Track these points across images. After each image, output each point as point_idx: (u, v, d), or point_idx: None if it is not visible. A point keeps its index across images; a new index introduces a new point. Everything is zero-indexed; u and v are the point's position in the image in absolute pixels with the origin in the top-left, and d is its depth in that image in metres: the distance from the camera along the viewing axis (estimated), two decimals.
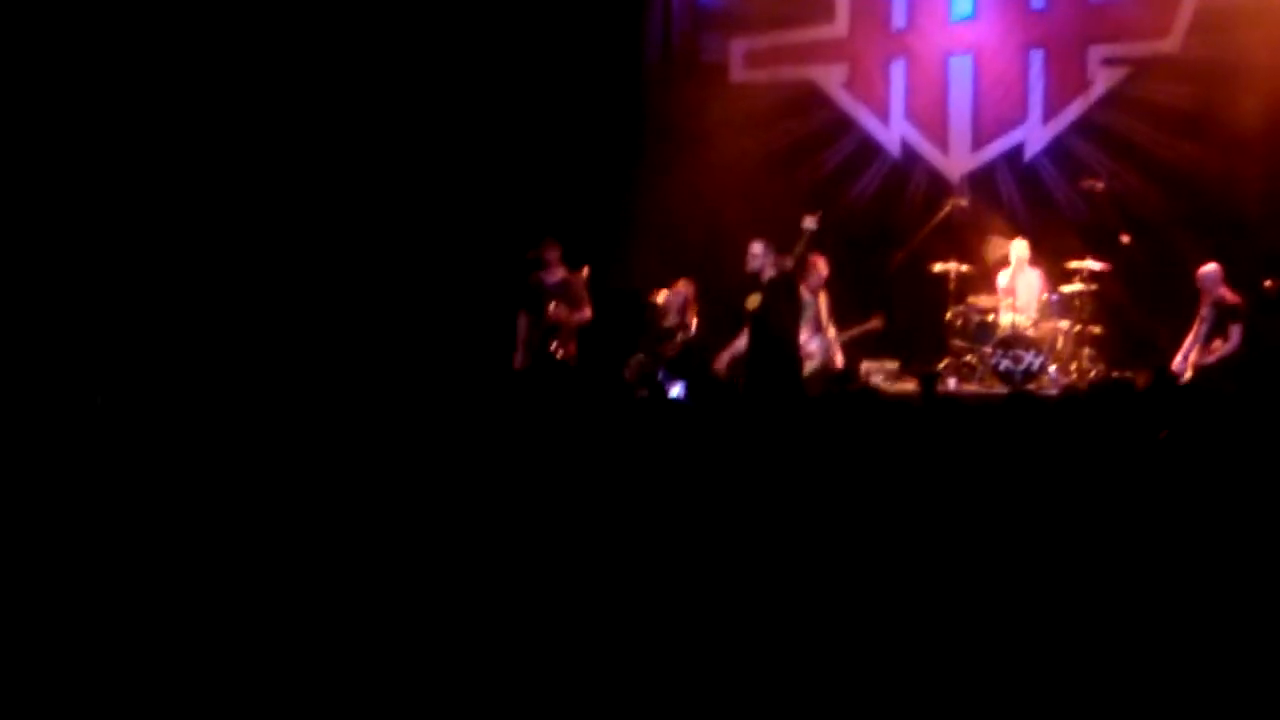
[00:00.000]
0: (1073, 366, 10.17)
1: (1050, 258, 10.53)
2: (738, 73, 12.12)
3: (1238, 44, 10.48)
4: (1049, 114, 11.31)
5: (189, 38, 10.66)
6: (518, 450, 4.79)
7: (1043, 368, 10.04)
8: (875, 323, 10.33)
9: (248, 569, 3.77)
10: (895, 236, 11.03)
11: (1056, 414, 4.97)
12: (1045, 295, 10.39)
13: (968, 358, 10.47)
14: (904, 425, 5.14)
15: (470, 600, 3.55)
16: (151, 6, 10.56)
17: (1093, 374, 10.09)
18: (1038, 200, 11.23)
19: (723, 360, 9.87)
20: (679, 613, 3.43)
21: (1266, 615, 3.20)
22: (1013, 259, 10.57)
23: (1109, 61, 11.11)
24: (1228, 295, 9.59)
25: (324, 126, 11.05)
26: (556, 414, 5.59)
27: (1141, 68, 10.99)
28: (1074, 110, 11.21)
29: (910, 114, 11.71)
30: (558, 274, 10.15)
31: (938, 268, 10.67)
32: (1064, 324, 10.30)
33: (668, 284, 10.16)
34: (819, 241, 9.67)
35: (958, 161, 11.57)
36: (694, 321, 10.03)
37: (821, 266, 10.12)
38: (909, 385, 9.99)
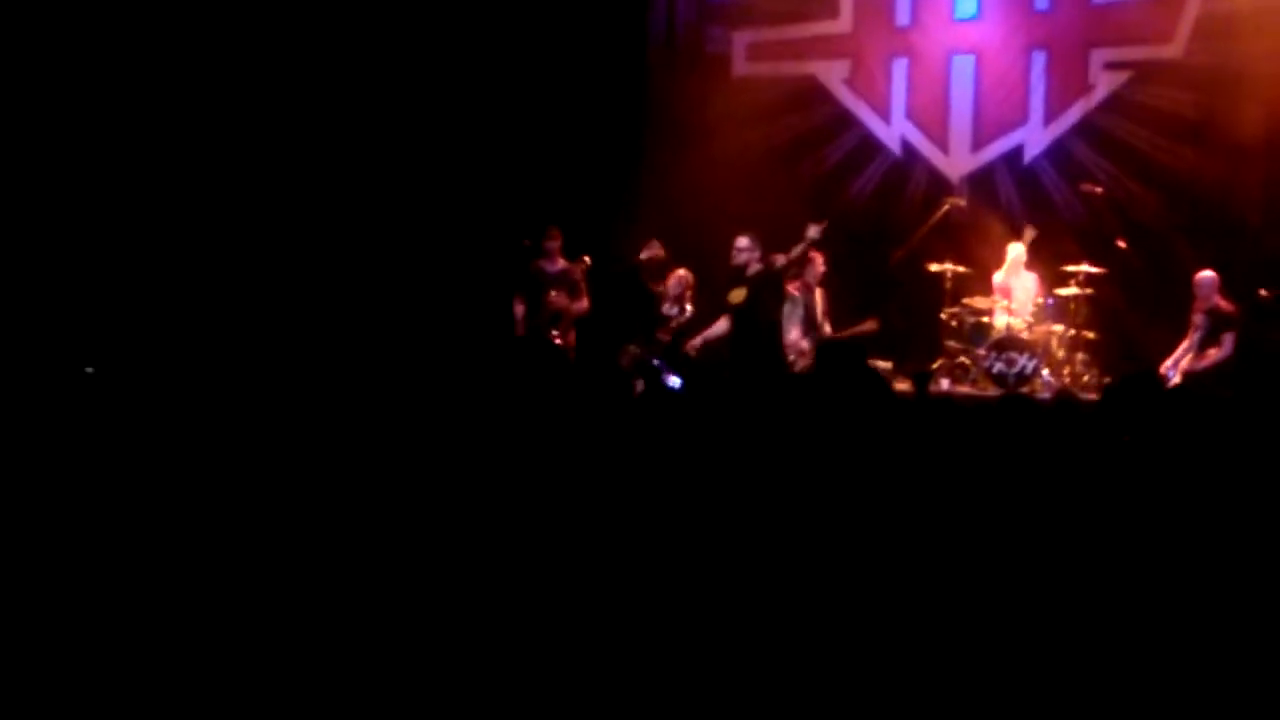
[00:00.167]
0: (1066, 371, 10.18)
1: (1047, 261, 10.52)
2: (740, 66, 12.11)
3: (1241, 51, 10.47)
4: (1050, 116, 11.30)
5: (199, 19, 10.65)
6: (513, 434, 4.77)
7: (1036, 371, 10.04)
8: (870, 325, 10.29)
9: (242, 548, 3.74)
10: (893, 235, 11.03)
11: (1055, 416, 4.94)
12: (1041, 298, 10.39)
13: (961, 359, 10.47)
14: (895, 422, 5.11)
15: (464, 587, 3.53)
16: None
17: (1086, 379, 10.10)
18: (1036, 203, 11.23)
19: (694, 343, 9.85)
20: (673, 605, 3.42)
21: (1262, 619, 3.19)
22: (1008, 261, 10.56)
23: (1111, 65, 11.11)
24: (1222, 304, 9.59)
25: (327, 114, 11.02)
26: (552, 401, 5.57)
27: (1143, 72, 10.98)
28: (1075, 113, 11.21)
29: (911, 112, 11.70)
30: (558, 263, 10.15)
31: (934, 268, 10.67)
32: (1058, 328, 10.30)
33: (666, 272, 10.14)
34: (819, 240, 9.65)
35: (958, 161, 11.56)
36: (690, 310, 10.01)
37: (819, 263, 10.11)
38: (902, 385, 9.98)
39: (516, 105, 11.39)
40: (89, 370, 6.47)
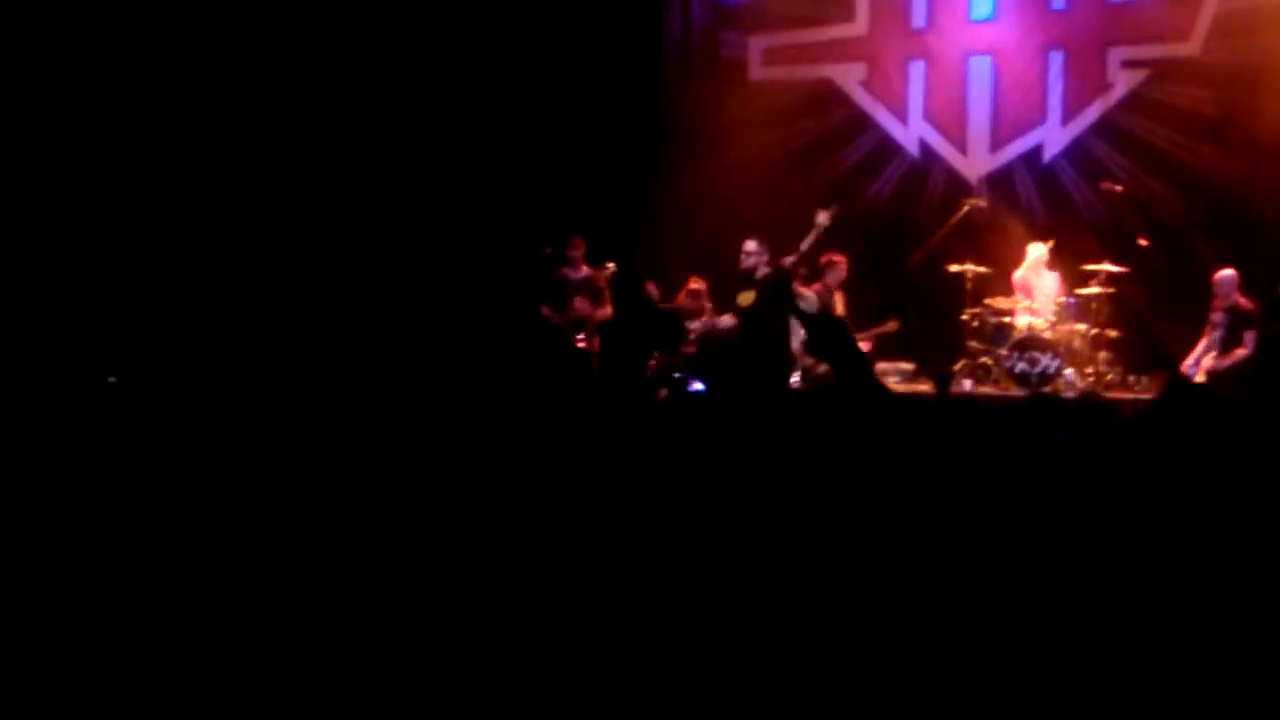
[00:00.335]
0: (1089, 370, 10.13)
1: (1068, 260, 10.49)
2: (757, 70, 12.12)
3: (1259, 48, 10.43)
4: (1068, 116, 11.27)
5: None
6: (537, 439, 4.78)
7: (1059, 371, 9.99)
8: (891, 325, 10.29)
9: (260, 551, 3.75)
10: (913, 237, 11.01)
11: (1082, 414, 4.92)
12: (1062, 298, 10.35)
13: (983, 359, 10.43)
14: (916, 423, 5.10)
15: (484, 588, 3.54)
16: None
17: (1109, 377, 10.05)
18: (1056, 202, 11.20)
19: (695, 326, 9.82)
20: (692, 605, 3.41)
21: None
22: (1030, 260, 10.53)
23: (1129, 64, 11.07)
24: (1243, 302, 9.55)
25: (349, 125, 11.06)
26: (576, 406, 5.58)
27: (1161, 70, 10.95)
28: (1093, 112, 11.18)
29: (929, 114, 11.69)
30: (582, 270, 10.19)
31: (954, 268, 10.64)
32: (1081, 327, 10.25)
33: (683, 280, 10.15)
34: (837, 239, 9.65)
35: (976, 162, 11.54)
36: (709, 310, 10.04)
37: (841, 266, 10.11)
38: (924, 386, 9.96)
39: (534, 113, 11.41)
40: (112, 380, 6.50)
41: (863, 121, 11.85)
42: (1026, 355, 10.11)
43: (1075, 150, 11.24)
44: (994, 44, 11.51)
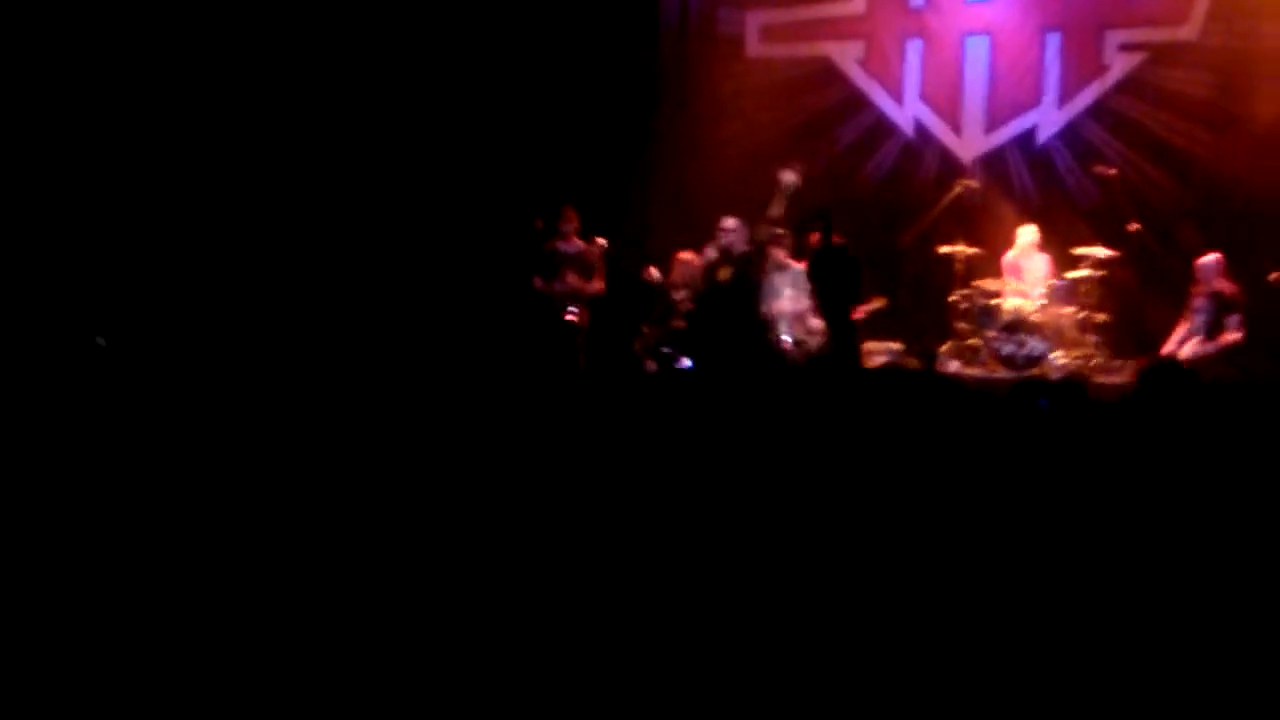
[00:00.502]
0: (1077, 353, 10.15)
1: (1059, 243, 10.50)
2: (754, 47, 12.08)
3: (1257, 33, 10.42)
4: (1064, 98, 11.25)
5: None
6: (528, 413, 4.80)
7: (1046, 353, 10.02)
8: (878, 303, 10.24)
9: (250, 523, 3.76)
10: (906, 216, 11.01)
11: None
12: (1052, 280, 10.36)
13: (971, 341, 10.45)
14: (899, 401, 5.11)
15: (476, 565, 3.55)
16: None
17: (1097, 361, 10.08)
18: (1049, 185, 11.20)
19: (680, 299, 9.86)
20: (684, 589, 3.43)
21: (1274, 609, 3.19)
22: (1020, 243, 10.54)
23: (1126, 47, 11.05)
24: (1226, 287, 9.58)
25: (341, 96, 11.05)
26: (568, 382, 5.60)
27: (1159, 54, 10.92)
28: (1089, 95, 11.15)
29: (925, 94, 11.67)
30: (574, 244, 10.18)
31: (945, 250, 10.65)
32: (1069, 310, 10.27)
33: (673, 256, 10.14)
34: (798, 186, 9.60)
35: (971, 143, 11.52)
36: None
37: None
38: (911, 366, 9.98)
39: (530, 88, 11.39)
40: (100, 341, 6.50)
41: (859, 100, 11.82)
42: (1014, 338, 10.14)
43: (1070, 133, 11.22)
44: (991, 24, 11.48)
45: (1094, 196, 10.83)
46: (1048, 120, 11.32)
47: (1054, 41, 11.28)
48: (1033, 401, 4.72)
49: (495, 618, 3.31)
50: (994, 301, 10.40)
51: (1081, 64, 11.19)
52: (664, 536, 3.69)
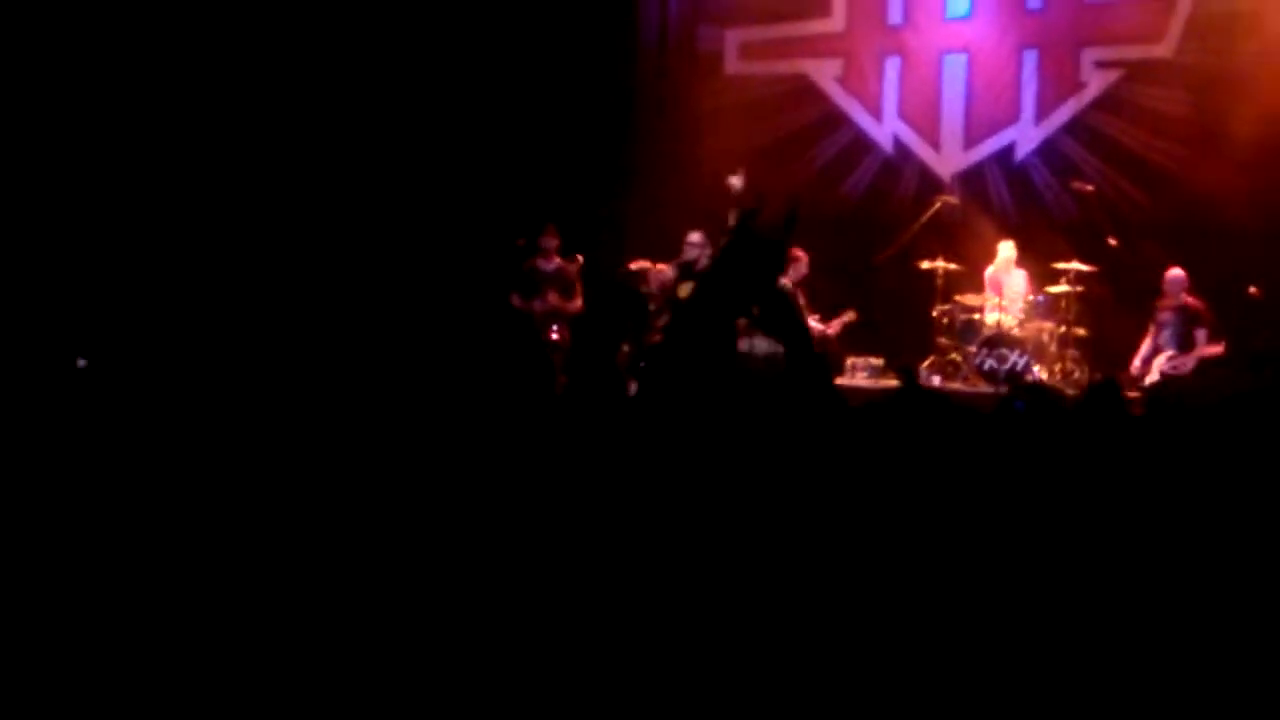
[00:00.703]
0: (1057, 368, 10.21)
1: (1038, 258, 10.56)
2: (733, 64, 12.14)
3: (1231, 50, 10.52)
4: (1041, 115, 11.34)
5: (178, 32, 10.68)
6: (508, 432, 4.78)
7: (1027, 368, 10.07)
8: (849, 315, 10.25)
9: (236, 547, 3.74)
10: (885, 233, 11.05)
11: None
12: (1031, 296, 10.42)
13: (952, 356, 10.50)
14: (877, 417, 5.13)
15: (458, 581, 3.54)
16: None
17: (1076, 375, 10.13)
18: (1027, 200, 11.27)
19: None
20: (666, 601, 3.43)
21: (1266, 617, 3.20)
22: (1000, 258, 10.61)
23: (1102, 64, 11.14)
24: (1191, 301, 9.70)
25: (321, 114, 11.03)
26: (546, 399, 5.58)
27: (1135, 71, 11.02)
28: (1066, 112, 11.24)
29: (903, 111, 11.74)
30: (554, 261, 10.17)
31: (926, 265, 10.70)
32: (1049, 325, 10.33)
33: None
34: (808, 235, 9.63)
35: (949, 160, 11.60)
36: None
37: (803, 263, 10.08)
38: (892, 382, 10.01)
39: (508, 104, 11.39)
40: (81, 363, 6.47)
41: (837, 117, 11.89)
42: (995, 352, 10.19)
43: (1047, 149, 11.31)
44: (969, 42, 11.56)
45: (1072, 212, 10.91)
46: (1025, 137, 11.40)
47: (1031, 59, 11.36)
48: (1011, 408, 4.74)
49: (476, 638, 3.30)
50: (975, 316, 10.46)
51: (1058, 81, 11.28)
52: (646, 554, 3.68)
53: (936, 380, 10.34)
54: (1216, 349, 9.55)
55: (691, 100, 11.62)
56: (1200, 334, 9.66)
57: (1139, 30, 11.02)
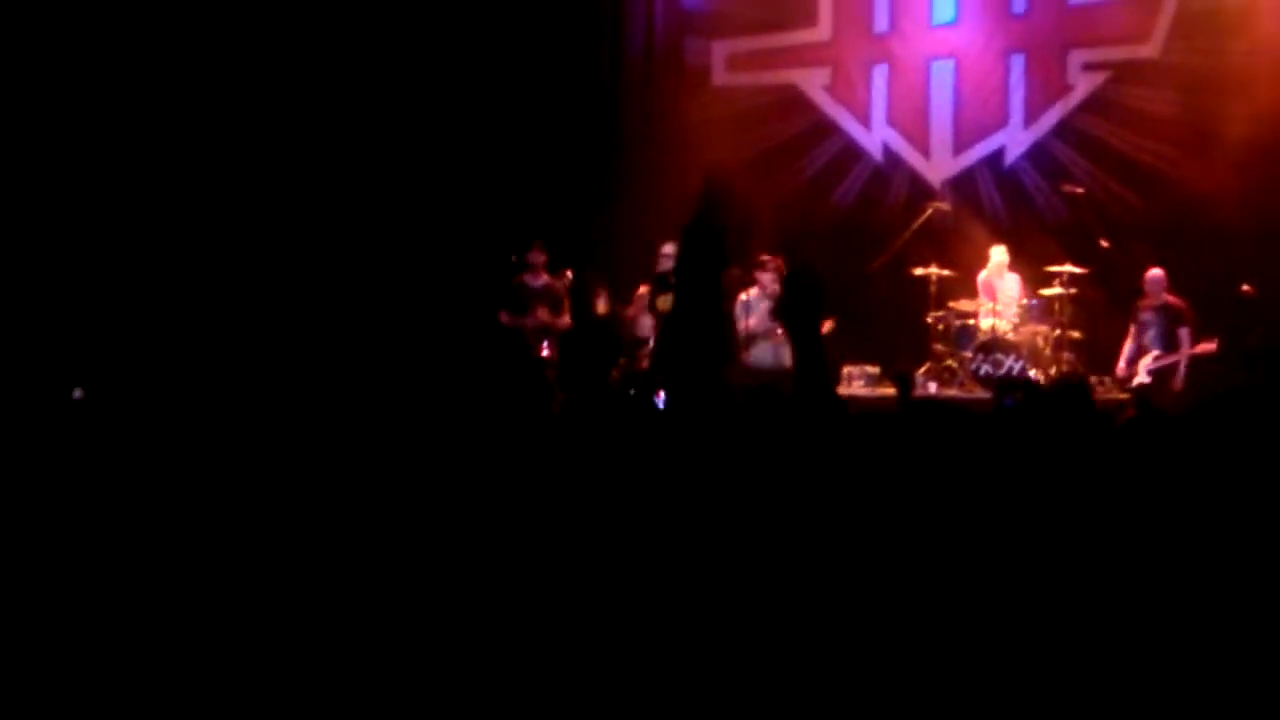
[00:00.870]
0: (1052, 371, 10.21)
1: (1030, 262, 10.57)
2: (720, 76, 12.14)
3: (1218, 50, 10.55)
4: (1030, 118, 11.36)
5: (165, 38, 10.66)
6: (498, 448, 4.77)
7: (1022, 372, 10.07)
8: (828, 324, 10.18)
9: (235, 573, 3.73)
10: (877, 241, 11.05)
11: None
12: (1025, 300, 10.43)
13: (948, 362, 10.50)
14: (876, 429, 5.13)
15: (449, 597, 3.53)
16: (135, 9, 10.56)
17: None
18: (1018, 204, 11.29)
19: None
20: (661, 612, 3.42)
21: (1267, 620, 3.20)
22: (993, 263, 10.62)
23: (1089, 66, 11.17)
24: (1173, 300, 9.72)
25: (311, 129, 11.02)
26: (537, 415, 5.57)
27: (1122, 73, 11.05)
28: (1054, 115, 11.26)
29: (892, 118, 11.75)
30: (542, 277, 10.15)
31: (919, 272, 10.70)
32: (1044, 328, 10.34)
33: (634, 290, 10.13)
34: (801, 244, 9.64)
35: (939, 166, 11.61)
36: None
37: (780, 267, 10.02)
38: (889, 389, 10.00)
39: (495, 118, 11.39)
40: (77, 393, 6.45)
41: (826, 126, 11.90)
42: (990, 357, 10.20)
43: (1037, 153, 11.33)
44: (956, 48, 11.58)
45: (1063, 215, 10.93)
46: (1015, 141, 11.41)
47: (1018, 63, 11.39)
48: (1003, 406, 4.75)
49: (470, 652, 3.30)
50: (970, 322, 10.47)
51: (1046, 84, 11.30)
52: (650, 561, 3.68)
53: (933, 387, 10.33)
54: (1210, 347, 9.55)
55: (679, 113, 11.61)
56: (1183, 332, 9.69)
57: (1125, 31, 11.05)
